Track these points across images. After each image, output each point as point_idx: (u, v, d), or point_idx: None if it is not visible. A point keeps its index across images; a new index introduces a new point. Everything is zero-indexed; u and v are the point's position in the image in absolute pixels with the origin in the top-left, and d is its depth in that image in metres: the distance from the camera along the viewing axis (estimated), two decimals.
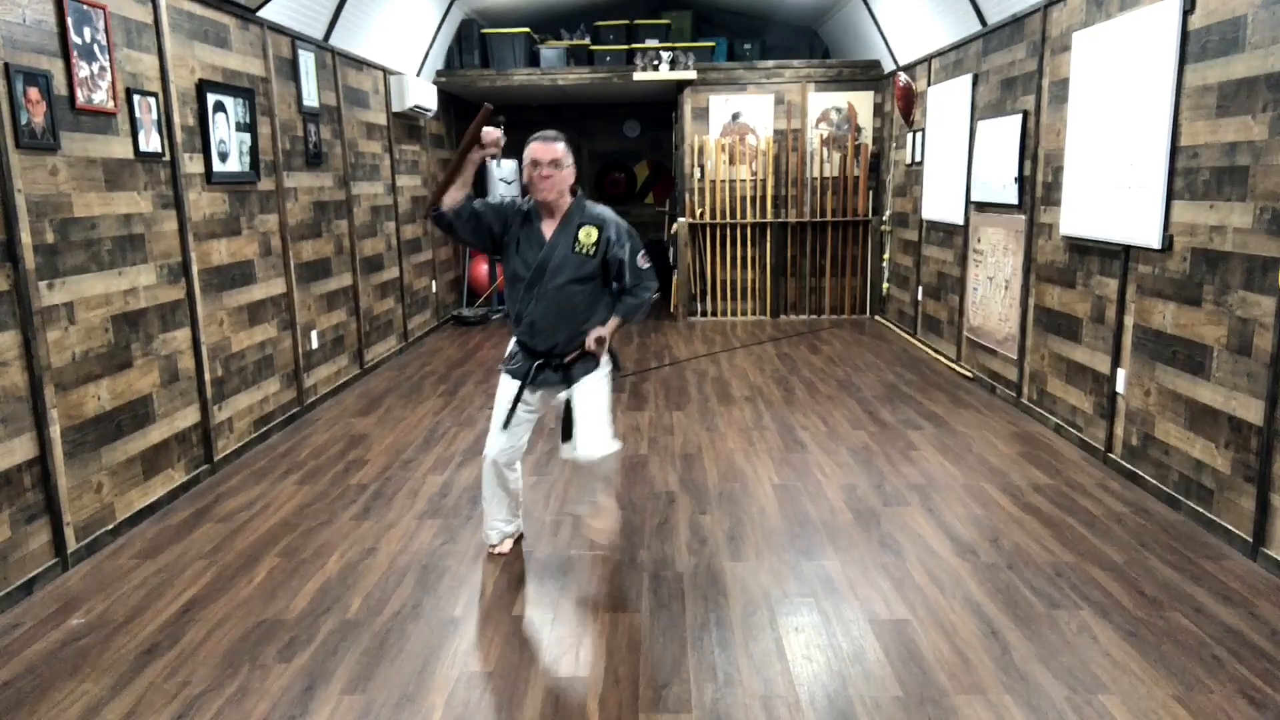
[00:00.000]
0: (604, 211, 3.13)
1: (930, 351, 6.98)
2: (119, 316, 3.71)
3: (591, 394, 3.14)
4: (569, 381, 3.13)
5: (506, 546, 3.44)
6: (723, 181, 8.55)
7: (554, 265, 3.03)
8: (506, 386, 3.20)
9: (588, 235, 3.04)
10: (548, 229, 3.08)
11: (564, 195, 3.06)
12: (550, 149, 3.00)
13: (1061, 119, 4.77)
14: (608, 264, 3.08)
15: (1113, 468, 4.25)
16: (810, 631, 2.83)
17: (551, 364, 3.12)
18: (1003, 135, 5.52)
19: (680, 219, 8.71)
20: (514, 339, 3.22)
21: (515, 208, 3.15)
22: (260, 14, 4.90)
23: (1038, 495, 3.94)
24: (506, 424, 3.19)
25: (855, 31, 8.44)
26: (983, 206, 5.95)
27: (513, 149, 10.20)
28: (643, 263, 3.12)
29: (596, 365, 3.16)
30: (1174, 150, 3.77)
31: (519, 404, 3.16)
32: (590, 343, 3.07)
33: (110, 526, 3.60)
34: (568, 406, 3.16)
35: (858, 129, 8.51)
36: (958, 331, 6.44)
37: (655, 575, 3.23)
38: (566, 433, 3.18)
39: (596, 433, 3.11)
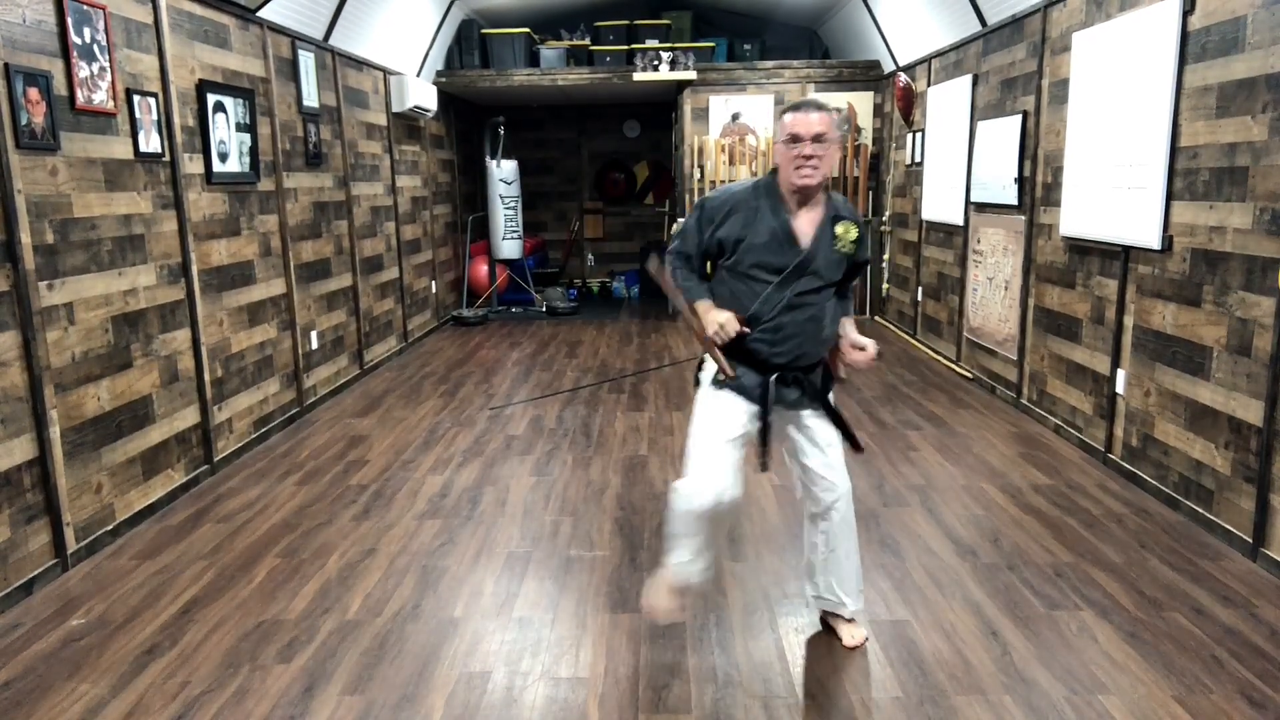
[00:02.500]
0: (849, 204, 2.62)
1: (930, 352, 6.98)
2: (119, 317, 3.71)
3: (830, 419, 2.65)
4: (814, 398, 2.59)
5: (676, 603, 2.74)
6: (723, 182, 8.55)
7: (816, 267, 2.48)
8: (724, 404, 2.56)
9: (848, 231, 2.51)
10: (802, 219, 2.49)
11: (826, 178, 2.48)
12: (812, 120, 2.39)
13: (1061, 119, 4.78)
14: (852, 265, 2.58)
15: (1112, 468, 4.25)
16: (810, 631, 2.83)
17: (789, 378, 2.55)
18: (1002, 136, 5.52)
19: (680, 219, 8.71)
20: (717, 353, 2.56)
21: (727, 199, 2.55)
22: (260, 14, 4.91)
23: (1037, 496, 3.94)
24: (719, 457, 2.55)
25: (855, 32, 8.45)
26: (982, 207, 5.95)
27: (513, 150, 10.24)
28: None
29: (830, 382, 2.66)
30: (1174, 151, 3.77)
31: (745, 423, 2.56)
32: (856, 357, 2.54)
33: (110, 527, 3.60)
34: (765, 431, 2.58)
35: (857, 129, 8.51)
36: (957, 332, 6.44)
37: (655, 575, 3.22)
38: (764, 463, 2.62)
39: (843, 462, 2.67)
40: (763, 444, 2.57)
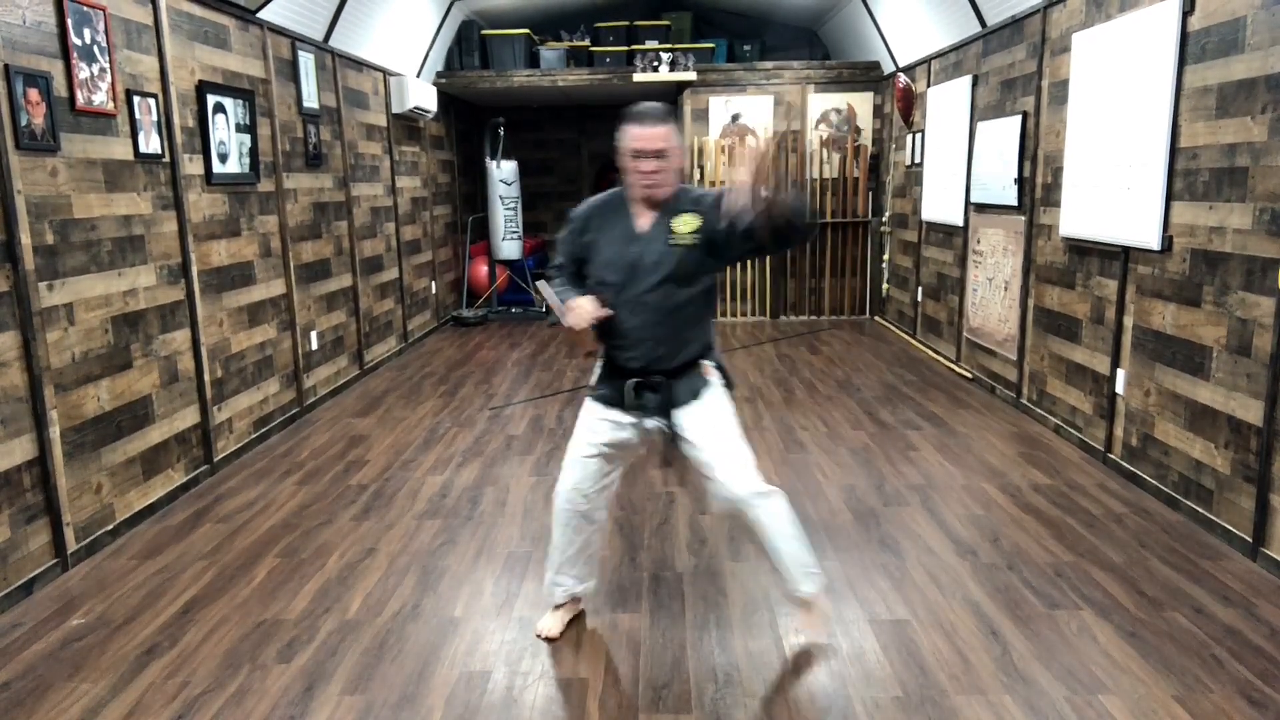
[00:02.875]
0: (710, 191, 2.52)
1: (930, 352, 6.98)
2: (119, 317, 3.71)
3: (710, 418, 2.57)
4: (672, 404, 2.56)
5: (561, 621, 2.84)
6: (722, 183, 8.55)
7: (649, 263, 2.47)
8: (590, 415, 2.65)
9: (684, 223, 2.45)
10: (643, 221, 2.51)
11: (671, 187, 2.49)
12: (654, 134, 2.39)
13: (1061, 120, 4.78)
14: (716, 246, 2.46)
15: (1112, 468, 4.25)
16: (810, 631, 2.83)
17: (650, 383, 2.54)
18: (1002, 136, 5.52)
19: None
20: (599, 362, 2.69)
21: (589, 209, 2.61)
22: (260, 15, 4.91)
23: (1037, 495, 3.94)
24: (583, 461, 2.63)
25: (855, 33, 8.45)
26: (982, 207, 5.95)
27: (513, 150, 10.24)
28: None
29: (704, 383, 2.59)
30: (1173, 151, 3.77)
31: (608, 434, 2.61)
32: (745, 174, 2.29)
33: (110, 527, 3.60)
34: (671, 434, 2.60)
35: (857, 130, 8.52)
36: (957, 332, 6.45)
37: (655, 575, 3.23)
38: (667, 458, 2.68)
39: (735, 462, 2.55)
40: (667, 443, 2.60)
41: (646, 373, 2.54)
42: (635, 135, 2.41)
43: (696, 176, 8.56)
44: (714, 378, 2.62)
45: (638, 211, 2.52)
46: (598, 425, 2.63)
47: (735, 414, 2.65)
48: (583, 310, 2.45)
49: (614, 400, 2.60)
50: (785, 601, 2.86)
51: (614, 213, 2.56)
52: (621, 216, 2.54)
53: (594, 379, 2.69)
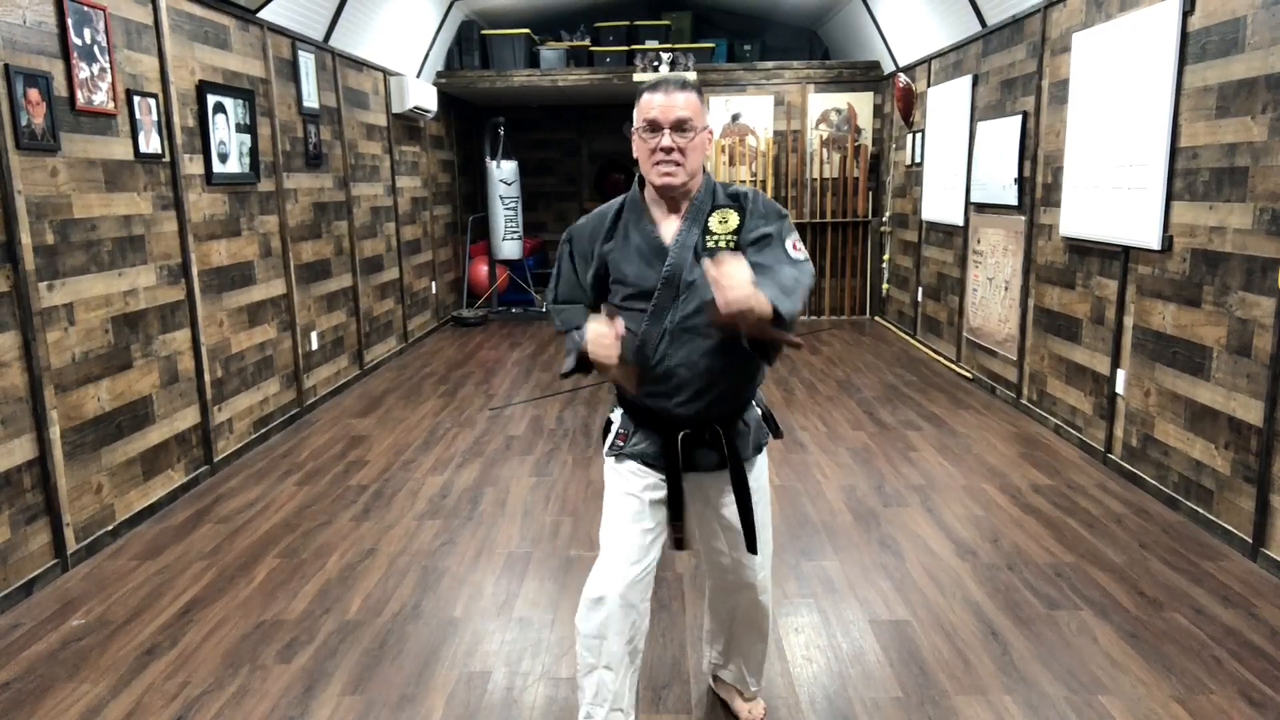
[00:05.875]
0: (741, 187, 2.03)
1: (930, 352, 6.98)
2: (119, 317, 3.71)
3: (761, 488, 2.12)
4: (733, 461, 2.00)
5: None
6: (723, 183, 8.53)
7: (689, 278, 1.91)
8: (624, 479, 2.04)
9: (721, 221, 1.94)
10: (668, 226, 1.96)
11: (696, 176, 1.95)
12: (674, 102, 1.86)
13: (1061, 120, 4.78)
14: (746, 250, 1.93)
15: (1112, 468, 4.25)
16: (810, 632, 2.83)
17: (705, 435, 1.98)
18: (1002, 136, 5.52)
19: None
20: (618, 409, 2.11)
21: (589, 222, 2.07)
22: (260, 15, 4.91)
23: (1037, 496, 3.94)
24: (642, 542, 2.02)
25: (855, 32, 8.45)
26: (982, 207, 5.95)
27: (513, 150, 10.23)
28: (795, 251, 1.93)
29: (764, 432, 2.08)
30: (1174, 151, 3.77)
31: (649, 499, 2.03)
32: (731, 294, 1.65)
33: (110, 527, 3.60)
34: (677, 500, 2.05)
35: (857, 130, 8.52)
36: (957, 332, 6.44)
37: (655, 575, 3.22)
38: (678, 539, 2.10)
39: (766, 545, 2.18)
40: (674, 517, 2.05)
41: (699, 422, 1.97)
42: (649, 104, 1.87)
43: None
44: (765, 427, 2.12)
45: (658, 216, 1.98)
46: (639, 488, 2.03)
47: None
48: (601, 336, 1.83)
49: (653, 459, 2.02)
50: (723, 690, 2.46)
51: (630, 221, 2.00)
52: (639, 225, 1.98)
53: (615, 431, 2.09)
